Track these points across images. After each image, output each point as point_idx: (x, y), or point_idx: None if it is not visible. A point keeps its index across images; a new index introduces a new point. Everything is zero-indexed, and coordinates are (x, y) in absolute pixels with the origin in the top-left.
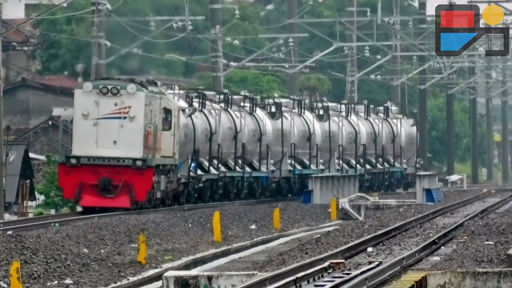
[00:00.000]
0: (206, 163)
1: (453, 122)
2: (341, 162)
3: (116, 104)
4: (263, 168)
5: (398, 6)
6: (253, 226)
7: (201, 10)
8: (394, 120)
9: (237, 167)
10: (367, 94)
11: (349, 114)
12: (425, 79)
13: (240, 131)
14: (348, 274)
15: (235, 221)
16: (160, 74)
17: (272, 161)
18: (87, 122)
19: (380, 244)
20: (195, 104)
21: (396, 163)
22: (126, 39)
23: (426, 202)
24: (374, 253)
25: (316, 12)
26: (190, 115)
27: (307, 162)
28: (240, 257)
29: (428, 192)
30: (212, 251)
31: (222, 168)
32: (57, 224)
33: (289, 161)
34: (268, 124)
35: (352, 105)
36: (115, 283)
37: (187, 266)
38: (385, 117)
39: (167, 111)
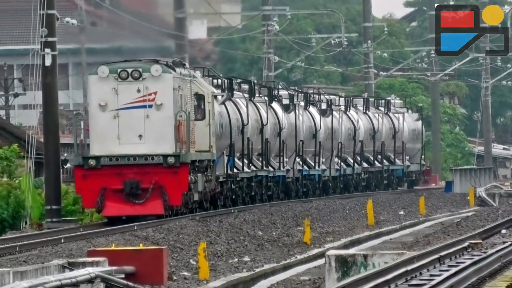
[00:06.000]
0: (238, 161)
1: None
2: (339, 160)
3: (139, 91)
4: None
5: None
6: (401, 212)
7: (355, 28)
8: (396, 115)
9: (263, 166)
10: (500, 98)
11: (348, 109)
12: None
13: (266, 124)
14: (485, 252)
15: (386, 207)
16: (320, 84)
17: (286, 159)
18: (105, 114)
19: None
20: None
21: (397, 160)
22: (292, 54)
23: None
24: (507, 234)
25: None
26: (223, 103)
27: (311, 162)
28: (390, 239)
29: None
30: (367, 233)
31: (252, 167)
32: (236, 211)
33: (298, 159)
34: (284, 118)
35: (351, 98)
36: (285, 260)
37: (345, 246)
38: (385, 112)
39: (200, 97)
